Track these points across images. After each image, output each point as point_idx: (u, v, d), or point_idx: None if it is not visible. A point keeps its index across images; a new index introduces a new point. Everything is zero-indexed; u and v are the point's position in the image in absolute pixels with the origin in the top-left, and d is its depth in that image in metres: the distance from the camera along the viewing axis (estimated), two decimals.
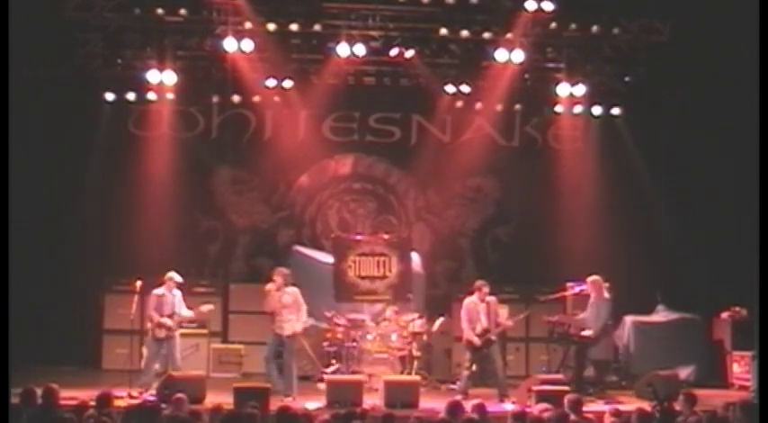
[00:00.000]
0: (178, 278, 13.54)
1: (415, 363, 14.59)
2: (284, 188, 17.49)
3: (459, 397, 12.44)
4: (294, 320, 13.44)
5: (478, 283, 13.84)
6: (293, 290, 13.60)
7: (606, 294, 14.12)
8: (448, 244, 17.66)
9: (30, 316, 14.89)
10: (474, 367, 13.76)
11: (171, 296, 13.46)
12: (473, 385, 13.87)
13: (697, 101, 16.57)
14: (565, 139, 17.28)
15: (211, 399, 12.07)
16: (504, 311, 14.36)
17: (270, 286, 13.55)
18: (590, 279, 14.16)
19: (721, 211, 16.44)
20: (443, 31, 15.28)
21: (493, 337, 13.63)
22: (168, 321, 13.28)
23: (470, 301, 13.75)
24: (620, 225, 16.59)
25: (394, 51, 15.69)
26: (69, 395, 10.80)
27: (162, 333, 13.31)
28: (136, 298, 13.55)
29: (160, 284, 13.51)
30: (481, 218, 17.75)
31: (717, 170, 16.60)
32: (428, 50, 15.78)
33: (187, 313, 13.63)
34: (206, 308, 13.83)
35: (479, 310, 13.65)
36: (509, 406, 12.34)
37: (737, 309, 15.48)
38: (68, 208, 16.22)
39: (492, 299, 13.78)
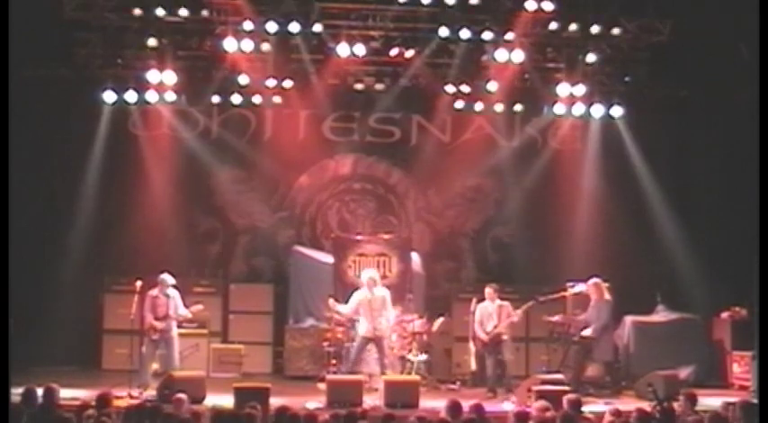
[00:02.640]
0: (170, 280, 13.59)
1: (416, 363, 14.59)
2: (284, 188, 17.48)
3: (489, 395, 13.06)
4: (383, 321, 13.64)
5: (486, 287, 14.13)
6: (383, 291, 13.77)
7: (607, 296, 14.16)
8: (448, 244, 17.65)
9: (30, 316, 14.88)
10: (475, 366, 13.83)
11: (164, 298, 13.50)
12: (473, 385, 13.92)
13: (697, 101, 16.57)
14: (565, 139, 17.29)
15: (211, 399, 12.09)
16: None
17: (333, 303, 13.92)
18: (591, 281, 14.22)
19: (721, 211, 16.42)
20: (443, 31, 15.26)
21: (504, 337, 13.77)
22: (159, 324, 13.32)
23: (483, 305, 14.04)
24: (619, 225, 16.59)
25: (394, 51, 15.69)
26: (69, 395, 10.80)
27: (155, 335, 13.37)
28: (136, 298, 13.55)
29: (156, 285, 13.57)
30: (481, 218, 17.74)
31: (717, 170, 16.59)
32: (428, 50, 15.76)
33: (184, 312, 13.67)
34: (195, 308, 13.84)
35: (491, 312, 13.96)
36: (509, 406, 12.34)
37: (737, 309, 15.45)
38: (68, 208, 16.19)
39: (506, 303, 14.06)
